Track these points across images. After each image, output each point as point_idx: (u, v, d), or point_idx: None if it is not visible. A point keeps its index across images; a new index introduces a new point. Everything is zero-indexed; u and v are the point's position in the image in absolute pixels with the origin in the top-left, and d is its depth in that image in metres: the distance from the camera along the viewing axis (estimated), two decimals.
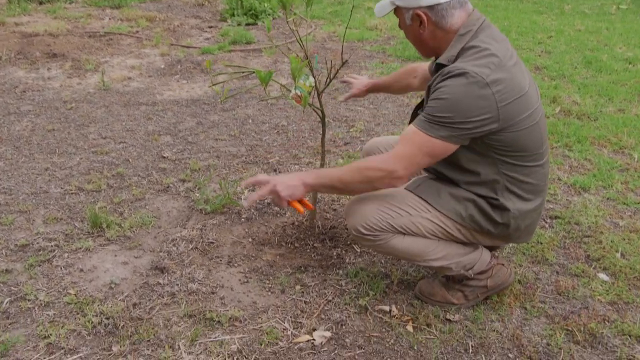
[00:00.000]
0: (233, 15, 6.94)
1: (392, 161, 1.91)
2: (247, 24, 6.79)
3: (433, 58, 2.14)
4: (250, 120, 4.05)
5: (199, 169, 3.32)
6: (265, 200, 3.00)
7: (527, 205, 2.05)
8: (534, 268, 2.50)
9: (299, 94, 2.42)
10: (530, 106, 1.92)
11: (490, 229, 2.06)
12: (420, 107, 2.08)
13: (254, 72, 2.51)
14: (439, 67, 1.95)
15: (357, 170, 1.98)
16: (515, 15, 7.18)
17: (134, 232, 2.71)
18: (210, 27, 6.78)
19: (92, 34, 6.27)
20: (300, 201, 2.09)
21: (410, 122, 2.16)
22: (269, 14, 7.01)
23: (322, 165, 2.61)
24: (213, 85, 2.48)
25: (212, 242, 2.64)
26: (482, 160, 1.97)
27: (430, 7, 1.92)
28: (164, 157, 3.47)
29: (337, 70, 2.44)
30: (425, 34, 1.98)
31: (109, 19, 7.07)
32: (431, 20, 1.94)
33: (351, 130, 3.88)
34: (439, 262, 2.12)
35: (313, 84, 2.42)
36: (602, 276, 2.44)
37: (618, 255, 2.57)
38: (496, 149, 1.93)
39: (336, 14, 7.37)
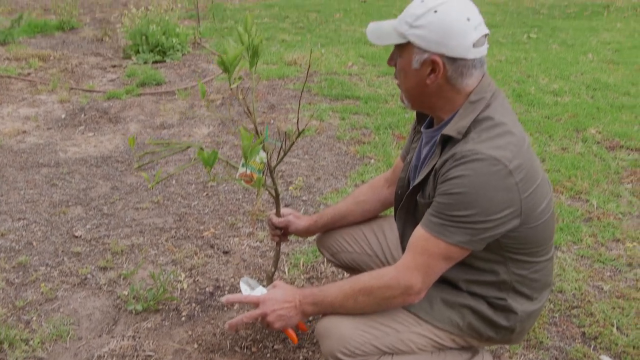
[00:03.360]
0: (138, 52, 6.36)
1: (406, 275, 1.54)
2: (155, 62, 6.23)
3: (414, 117, 1.79)
4: (174, 181, 3.56)
5: (122, 251, 2.79)
6: (207, 288, 2.53)
7: (534, 305, 1.72)
8: (530, 355, 2.19)
9: (249, 172, 1.99)
10: (546, 194, 1.60)
11: (491, 334, 1.71)
12: (416, 187, 1.68)
13: (190, 147, 2.08)
14: (445, 139, 1.57)
15: (364, 292, 1.60)
16: None
17: (47, 349, 2.16)
18: (114, 66, 6.17)
19: None
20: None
21: (397, 202, 1.79)
22: (177, 50, 6.50)
23: (276, 261, 2.19)
24: (138, 166, 2.01)
25: (150, 355, 2.14)
26: (490, 258, 1.62)
27: (452, 59, 1.50)
28: (77, 237, 2.92)
29: (293, 142, 2.03)
30: (432, 86, 1.55)
31: None
32: (446, 74, 1.52)
33: (290, 188, 3.47)
34: None
35: (265, 160, 2.00)
36: None
37: (615, 330, 2.31)
38: (508, 247, 1.59)
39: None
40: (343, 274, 2.62)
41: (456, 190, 1.47)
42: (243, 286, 1.87)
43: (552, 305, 2.46)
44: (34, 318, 2.32)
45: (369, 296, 1.60)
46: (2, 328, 2.19)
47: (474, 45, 1.49)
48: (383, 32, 1.59)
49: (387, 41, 1.58)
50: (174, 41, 6.47)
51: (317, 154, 3.97)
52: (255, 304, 1.71)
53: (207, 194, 3.40)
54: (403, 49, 1.56)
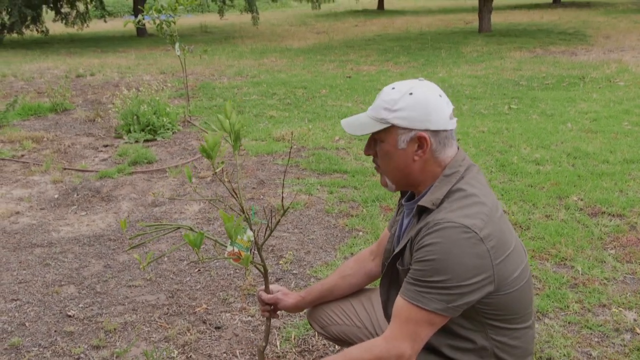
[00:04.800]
0: (129, 131, 6.52)
1: (395, 345, 1.60)
2: (146, 140, 6.38)
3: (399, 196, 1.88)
4: (166, 258, 3.61)
5: (115, 329, 2.81)
6: None
7: None
8: None
9: (237, 251, 2.06)
10: (520, 262, 1.69)
11: None
12: (397, 255, 1.76)
13: (179, 228, 2.15)
14: (421, 210, 1.68)
15: None
16: None
17: None
18: (106, 145, 6.31)
19: None
20: None
21: (382, 271, 1.87)
22: (168, 129, 6.66)
23: (267, 335, 2.22)
24: (130, 249, 2.07)
25: None
26: (468, 325, 1.69)
27: (436, 132, 1.64)
28: (70, 316, 2.94)
29: (278, 221, 2.11)
30: (418, 162, 1.67)
31: None
32: (432, 147, 1.65)
33: (280, 262, 3.53)
34: None
35: (252, 238, 2.07)
36: None
37: None
38: (485, 314, 1.66)
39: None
40: (334, 347, 2.64)
41: (429, 257, 1.56)
42: None
43: None
44: None
45: None
46: None
47: (450, 118, 1.66)
48: (362, 123, 1.72)
49: (370, 130, 1.70)
50: (165, 120, 6.65)
51: (307, 227, 4.04)
52: None
53: (198, 270, 3.45)
54: (386, 133, 1.68)
